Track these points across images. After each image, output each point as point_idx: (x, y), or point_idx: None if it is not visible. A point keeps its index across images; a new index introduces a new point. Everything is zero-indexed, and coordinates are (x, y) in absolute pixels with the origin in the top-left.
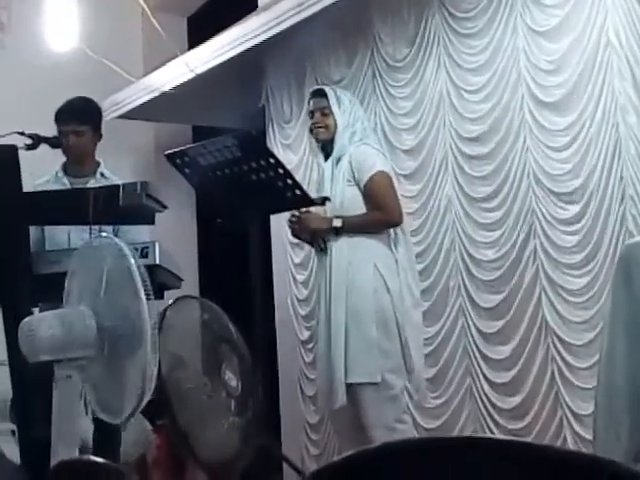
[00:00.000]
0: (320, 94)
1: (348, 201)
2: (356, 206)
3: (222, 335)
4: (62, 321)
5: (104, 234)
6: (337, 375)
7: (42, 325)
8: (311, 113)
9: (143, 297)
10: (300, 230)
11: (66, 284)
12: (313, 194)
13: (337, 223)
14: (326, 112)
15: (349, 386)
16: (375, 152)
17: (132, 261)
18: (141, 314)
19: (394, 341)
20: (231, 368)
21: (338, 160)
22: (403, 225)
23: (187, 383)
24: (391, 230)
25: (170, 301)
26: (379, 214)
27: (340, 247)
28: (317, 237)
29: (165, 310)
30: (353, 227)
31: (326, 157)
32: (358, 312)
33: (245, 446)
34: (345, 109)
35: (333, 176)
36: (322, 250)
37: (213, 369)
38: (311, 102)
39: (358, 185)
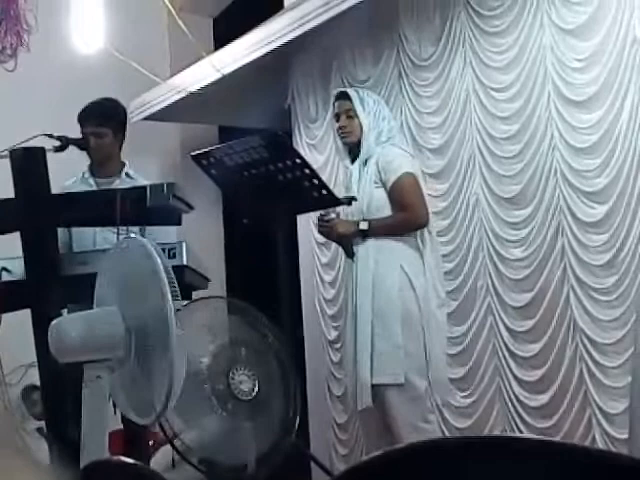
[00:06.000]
0: (344, 96)
1: (375, 203)
2: (384, 208)
3: (241, 338)
4: (90, 322)
5: (132, 235)
6: (363, 376)
7: (71, 326)
8: (337, 116)
9: (170, 298)
10: (328, 234)
11: (96, 285)
12: (340, 196)
13: (363, 226)
14: (351, 114)
15: (374, 387)
16: (401, 153)
17: (159, 262)
18: (168, 315)
19: (417, 341)
20: (246, 372)
21: (365, 162)
22: (429, 225)
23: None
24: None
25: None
26: (405, 216)
27: (366, 249)
28: (345, 241)
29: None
30: (379, 229)
31: (353, 159)
32: (384, 313)
33: (267, 449)
34: (370, 110)
35: (360, 178)
36: (349, 255)
37: (219, 373)
38: (336, 104)
39: (384, 186)
